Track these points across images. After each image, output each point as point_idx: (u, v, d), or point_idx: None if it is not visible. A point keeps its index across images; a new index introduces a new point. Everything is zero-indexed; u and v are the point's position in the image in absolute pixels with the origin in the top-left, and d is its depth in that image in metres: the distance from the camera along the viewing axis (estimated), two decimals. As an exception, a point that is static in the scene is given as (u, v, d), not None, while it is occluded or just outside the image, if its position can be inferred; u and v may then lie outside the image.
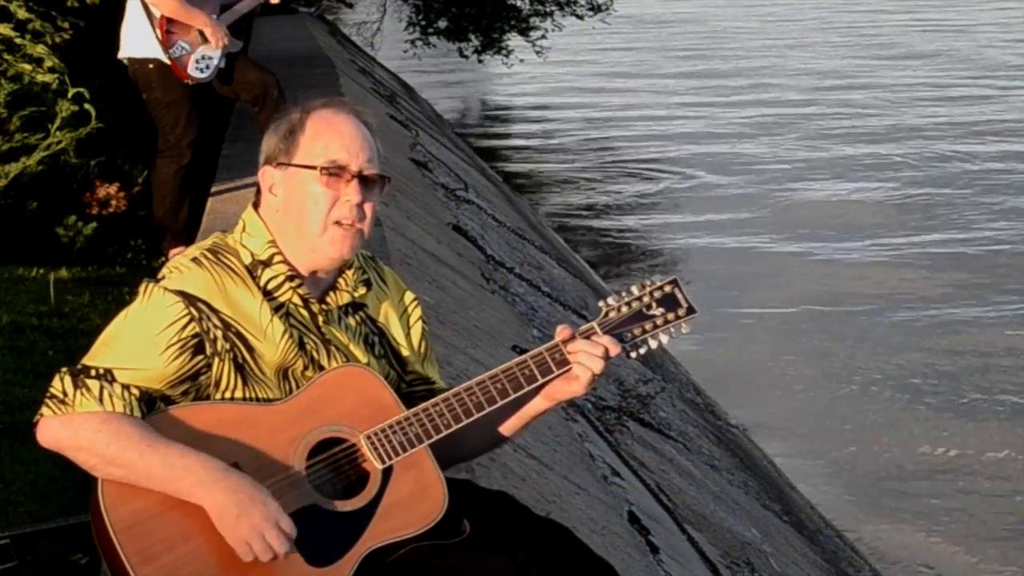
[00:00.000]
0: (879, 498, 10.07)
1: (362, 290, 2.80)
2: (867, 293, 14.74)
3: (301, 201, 2.69)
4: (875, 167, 20.68)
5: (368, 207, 2.70)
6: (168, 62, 6.67)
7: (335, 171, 2.68)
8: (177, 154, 6.77)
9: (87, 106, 7.16)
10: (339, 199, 2.68)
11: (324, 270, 2.73)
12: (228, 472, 2.53)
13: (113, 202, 7.67)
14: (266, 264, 2.70)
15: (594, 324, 2.78)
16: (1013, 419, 11.36)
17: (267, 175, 2.75)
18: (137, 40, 6.73)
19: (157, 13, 6.67)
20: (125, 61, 6.84)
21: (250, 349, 2.64)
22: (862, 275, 15.39)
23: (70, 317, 6.11)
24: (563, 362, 2.74)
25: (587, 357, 2.72)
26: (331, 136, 2.70)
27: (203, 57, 6.71)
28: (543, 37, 25.93)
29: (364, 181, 2.70)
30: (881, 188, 19.36)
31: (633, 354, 2.80)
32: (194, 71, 6.69)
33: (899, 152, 21.66)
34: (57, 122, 7.20)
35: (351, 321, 2.78)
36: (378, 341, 2.81)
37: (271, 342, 2.65)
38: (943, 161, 21.01)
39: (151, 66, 6.69)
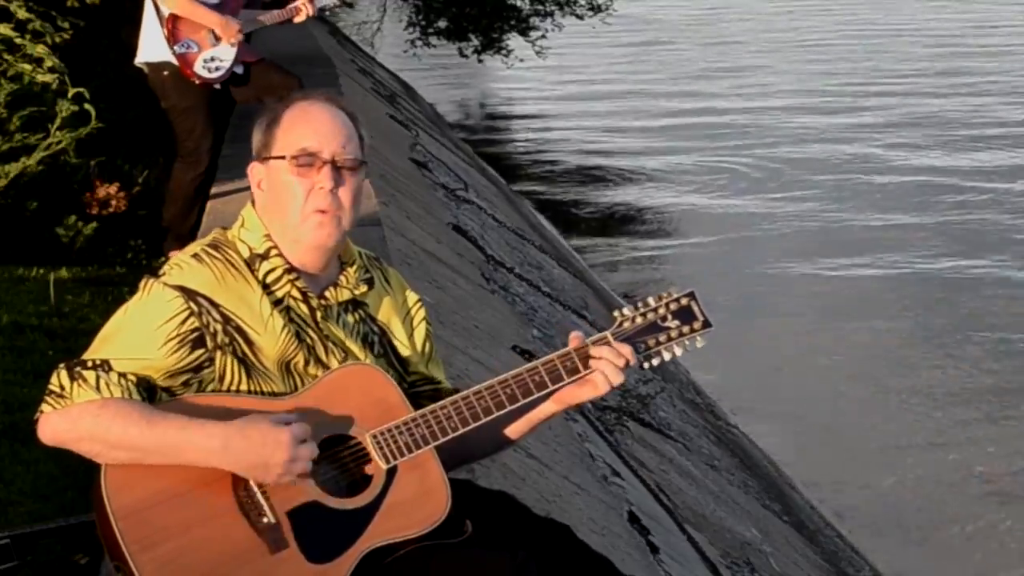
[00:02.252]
0: (881, 498, 10.08)
1: (363, 288, 2.80)
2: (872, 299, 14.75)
3: (281, 192, 2.71)
4: (885, 175, 20.68)
5: (345, 193, 2.70)
6: (175, 60, 6.64)
7: (306, 159, 2.69)
8: (195, 160, 6.75)
9: (87, 106, 7.15)
10: (314, 187, 2.68)
11: (312, 263, 2.73)
12: (228, 429, 2.53)
13: (113, 202, 7.68)
14: (264, 257, 2.71)
15: (607, 333, 2.77)
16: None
17: (254, 171, 2.78)
18: (151, 44, 6.71)
19: (166, 11, 6.65)
20: (144, 68, 6.80)
21: (250, 343, 2.64)
22: (866, 283, 15.40)
23: (70, 317, 6.11)
24: (574, 370, 2.74)
25: (609, 366, 2.72)
26: (302, 125, 2.71)
27: (212, 58, 6.67)
28: (543, 37, 25.93)
29: (339, 167, 2.70)
30: (892, 200, 19.35)
31: (646, 365, 2.79)
32: (201, 70, 6.65)
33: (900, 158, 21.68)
34: (57, 122, 7.20)
35: (349, 319, 2.78)
36: (378, 340, 2.81)
37: (272, 336, 2.66)
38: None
39: (165, 73, 6.66)
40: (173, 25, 6.61)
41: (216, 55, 6.66)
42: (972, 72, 29.07)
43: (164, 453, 2.52)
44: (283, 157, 2.70)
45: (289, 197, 2.69)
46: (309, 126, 2.71)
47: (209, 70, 6.66)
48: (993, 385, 12.15)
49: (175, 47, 6.61)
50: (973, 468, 10.55)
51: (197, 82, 6.64)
